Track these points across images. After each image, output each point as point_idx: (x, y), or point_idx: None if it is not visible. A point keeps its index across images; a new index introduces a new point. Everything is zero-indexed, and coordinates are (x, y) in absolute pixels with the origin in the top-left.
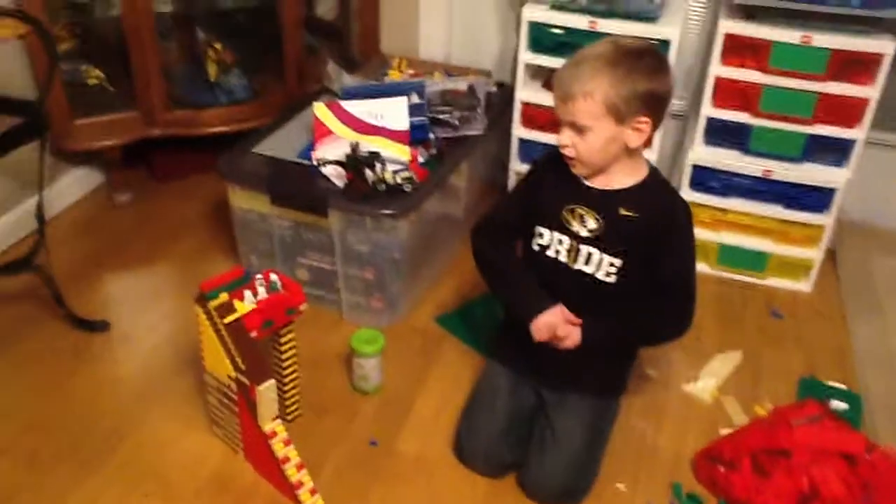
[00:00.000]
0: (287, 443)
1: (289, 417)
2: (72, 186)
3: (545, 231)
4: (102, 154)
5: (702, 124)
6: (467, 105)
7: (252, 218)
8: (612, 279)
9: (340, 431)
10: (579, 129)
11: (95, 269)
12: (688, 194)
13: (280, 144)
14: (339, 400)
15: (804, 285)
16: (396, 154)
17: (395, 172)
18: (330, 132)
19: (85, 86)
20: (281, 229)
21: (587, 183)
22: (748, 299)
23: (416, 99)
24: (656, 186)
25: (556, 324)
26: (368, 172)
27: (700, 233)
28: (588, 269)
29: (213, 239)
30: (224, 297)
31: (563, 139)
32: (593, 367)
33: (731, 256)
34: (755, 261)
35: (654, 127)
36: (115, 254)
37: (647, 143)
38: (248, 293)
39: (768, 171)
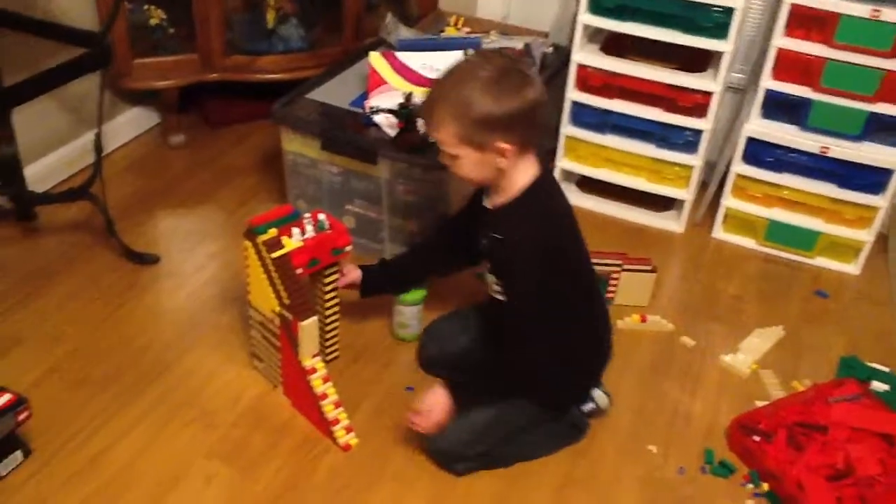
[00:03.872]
0: (326, 380)
1: (327, 358)
2: (127, 125)
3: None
4: (159, 95)
5: (760, 97)
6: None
7: (303, 163)
8: (501, 297)
9: (377, 375)
10: (447, 155)
11: (146, 206)
12: (740, 167)
13: (334, 92)
14: (378, 345)
15: (852, 268)
16: None
17: None
18: (384, 82)
19: (147, 26)
20: (330, 175)
21: (483, 201)
22: (793, 278)
23: None
24: (521, 207)
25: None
26: (420, 122)
27: (749, 207)
28: (491, 285)
29: (262, 185)
30: (273, 232)
31: (441, 159)
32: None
33: (779, 233)
34: (804, 239)
35: (523, 145)
36: (165, 192)
37: (523, 156)
38: (296, 230)
39: (825, 147)
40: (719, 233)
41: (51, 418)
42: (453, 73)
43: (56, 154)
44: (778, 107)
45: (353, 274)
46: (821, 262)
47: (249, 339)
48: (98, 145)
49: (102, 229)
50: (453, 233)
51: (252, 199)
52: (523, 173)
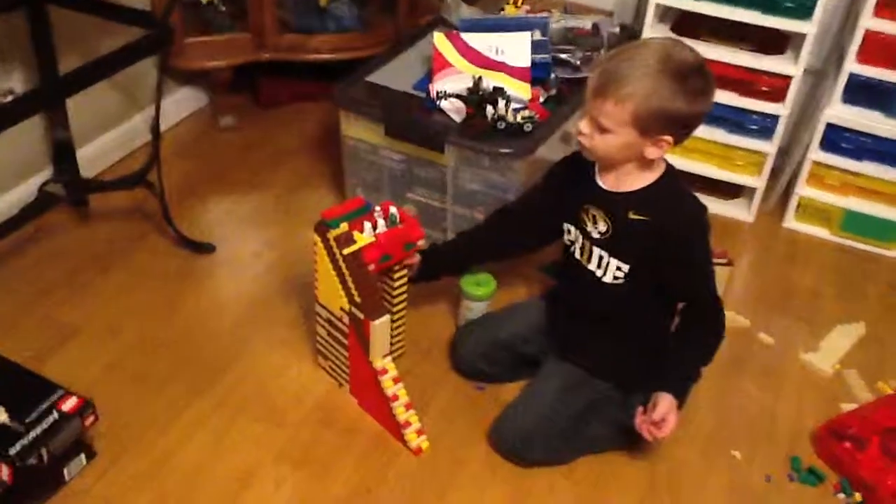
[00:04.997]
0: (397, 381)
1: (393, 354)
2: (176, 106)
3: (571, 228)
4: (210, 75)
5: (842, 81)
6: (590, 45)
7: (363, 148)
8: (618, 282)
9: (445, 373)
10: (600, 127)
11: (197, 191)
12: (817, 154)
13: (395, 75)
14: (445, 341)
15: None
16: (516, 91)
17: (516, 111)
18: (449, 64)
19: (198, 4)
20: (391, 162)
21: (599, 182)
22: (871, 270)
23: (538, 36)
24: (668, 189)
25: None
26: (489, 109)
27: (825, 196)
28: (598, 272)
29: (316, 168)
30: (344, 226)
31: (582, 126)
32: (596, 345)
33: (855, 223)
34: (882, 230)
35: (677, 143)
36: (217, 177)
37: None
38: (367, 225)
39: None
40: (791, 222)
41: (113, 416)
42: (649, 53)
43: (107, 136)
44: (861, 91)
45: (413, 259)
46: None
47: (315, 335)
48: (156, 131)
49: (155, 215)
50: (520, 216)
51: (306, 185)
52: (662, 160)
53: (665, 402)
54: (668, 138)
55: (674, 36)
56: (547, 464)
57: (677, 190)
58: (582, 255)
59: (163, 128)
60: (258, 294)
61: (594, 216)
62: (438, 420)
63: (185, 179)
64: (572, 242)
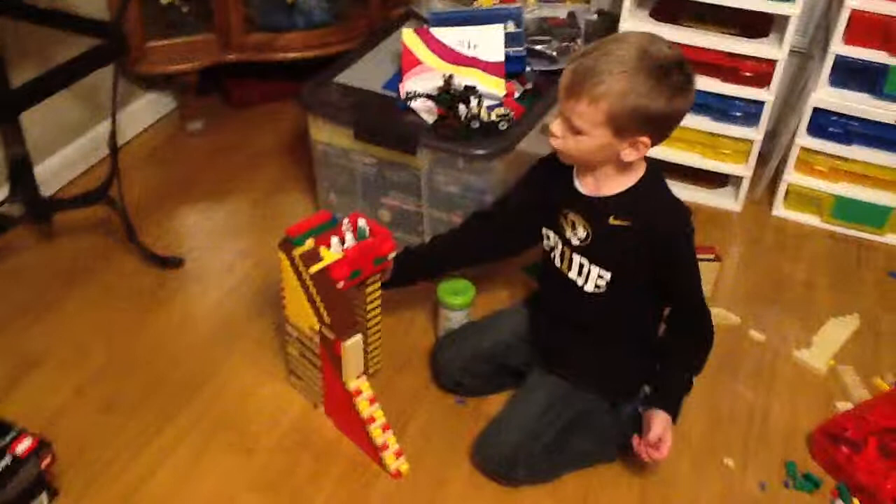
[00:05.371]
0: (372, 401)
1: (370, 371)
2: (142, 112)
3: (550, 233)
4: (176, 79)
5: (829, 62)
6: (567, 35)
7: (333, 153)
8: (600, 290)
9: (423, 387)
10: (573, 128)
11: (166, 201)
12: (805, 140)
13: (364, 74)
14: (422, 354)
15: None
16: (490, 88)
17: (490, 108)
18: (419, 62)
19: (160, 6)
20: (364, 166)
21: (578, 186)
22: (864, 258)
23: (512, 27)
24: (650, 192)
25: None
26: (462, 108)
27: (815, 182)
28: (578, 280)
29: (290, 172)
30: (310, 243)
31: (554, 128)
32: (580, 355)
33: (846, 209)
34: (874, 215)
35: (654, 144)
36: (186, 184)
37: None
38: (334, 239)
39: None
40: (780, 210)
41: (78, 449)
42: (624, 49)
43: (67, 149)
44: (849, 73)
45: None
46: (892, 239)
47: (286, 355)
48: (113, 145)
49: (121, 230)
50: (498, 220)
51: (279, 190)
52: (642, 162)
53: (659, 422)
54: (645, 139)
55: (653, 22)
56: (532, 482)
57: (659, 192)
58: (562, 262)
59: (130, 135)
60: (229, 309)
61: (573, 222)
62: (418, 438)
63: (153, 189)
64: (552, 248)
